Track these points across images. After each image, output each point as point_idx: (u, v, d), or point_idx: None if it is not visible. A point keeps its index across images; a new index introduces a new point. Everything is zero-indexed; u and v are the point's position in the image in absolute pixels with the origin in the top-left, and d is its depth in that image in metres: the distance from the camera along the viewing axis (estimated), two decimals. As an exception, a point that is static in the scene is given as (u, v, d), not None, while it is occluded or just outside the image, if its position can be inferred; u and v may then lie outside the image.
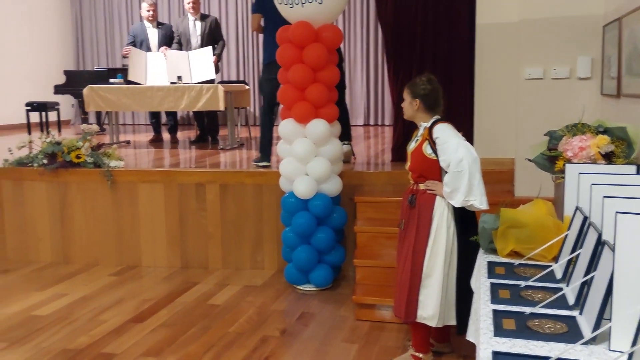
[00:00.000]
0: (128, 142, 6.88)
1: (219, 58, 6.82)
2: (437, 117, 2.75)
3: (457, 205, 2.63)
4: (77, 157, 4.66)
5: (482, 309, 1.69)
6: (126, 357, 3.04)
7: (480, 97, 4.24)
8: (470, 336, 2.05)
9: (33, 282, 4.31)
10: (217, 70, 6.84)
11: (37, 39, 9.62)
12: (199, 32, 6.75)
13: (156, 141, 7.10)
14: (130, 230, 4.62)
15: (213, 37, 6.78)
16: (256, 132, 7.91)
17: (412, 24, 4.62)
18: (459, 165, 2.57)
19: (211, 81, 6.34)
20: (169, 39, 6.98)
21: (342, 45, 4.53)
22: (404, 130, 4.59)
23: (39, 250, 4.80)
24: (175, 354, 3.07)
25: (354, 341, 3.21)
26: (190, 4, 6.68)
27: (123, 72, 7.22)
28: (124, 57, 6.83)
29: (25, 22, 9.39)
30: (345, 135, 4.58)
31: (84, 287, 4.16)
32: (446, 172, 2.65)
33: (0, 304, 3.84)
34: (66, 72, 8.32)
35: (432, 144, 2.68)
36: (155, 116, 7.32)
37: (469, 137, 4.08)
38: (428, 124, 2.74)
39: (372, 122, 9.07)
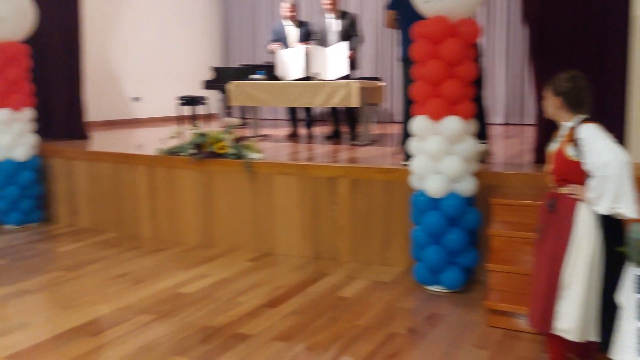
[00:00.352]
0: (265, 136, 7.21)
1: (355, 53, 6.89)
2: (582, 116, 2.58)
3: (602, 213, 2.45)
4: (221, 148, 4.98)
5: (628, 325, 1.57)
6: (259, 339, 3.21)
7: (637, 97, 3.88)
8: (614, 354, 1.91)
9: (181, 261, 4.70)
10: (354, 66, 6.94)
11: (190, 38, 10.41)
12: (337, 29, 6.88)
13: (293, 136, 7.37)
14: (267, 219, 4.85)
15: (349, 33, 6.88)
16: (391, 128, 7.93)
17: (560, 21, 4.33)
18: (605, 169, 2.39)
19: (346, 77, 6.45)
20: (308, 37, 7.21)
21: (482, 40, 4.37)
22: (547, 130, 4.34)
23: (186, 233, 5.20)
24: (305, 341, 3.19)
25: (485, 347, 3.11)
26: (328, 5, 6.83)
27: (265, 68, 7.58)
28: (271, 53, 7.18)
29: (181, 23, 10.20)
30: (481, 134, 4.44)
31: (225, 270, 4.45)
32: (591, 176, 2.48)
33: (152, 279, 4.23)
34: (214, 68, 8.91)
35: (576, 146, 2.52)
36: (292, 111, 7.60)
37: (622, 139, 3.77)
38: (571, 124, 2.58)
39: (513, 120, 8.66)
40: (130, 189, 5.46)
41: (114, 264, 4.61)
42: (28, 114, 5.75)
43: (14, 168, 5.62)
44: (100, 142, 6.62)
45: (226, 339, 3.22)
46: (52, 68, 6.43)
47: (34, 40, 5.84)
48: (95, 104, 7.95)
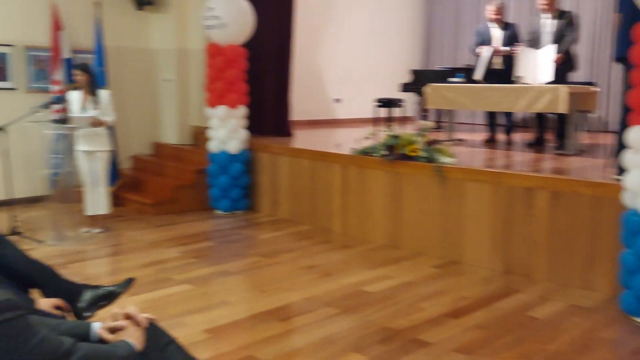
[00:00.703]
0: (460, 140, 7.03)
1: (564, 56, 6.36)
2: None
3: None
4: (413, 150, 4.96)
5: None
6: (439, 348, 3.14)
7: None
8: None
9: (367, 260, 4.79)
10: (572, 68, 6.43)
11: (392, 41, 10.58)
12: (551, 30, 6.42)
13: (490, 141, 7.08)
14: (455, 227, 4.72)
15: (563, 34, 6.37)
16: (604, 138, 7.19)
17: None
18: None
19: (555, 81, 5.99)
20: (514, 39, 6.86)
21: None
22: None
23: (374, 232, 5.30)
24: (487, 358, 3.03)
25: (703, 397, 2.67)
26: (544, 4, 6.40)
27: (465, 71, 7.39)
28: (477, 56, 7.01)
29: (385, 27, 10.41)
30: None
31: (409, 273, 4.43)
32: None
33: (339, 274, 4.38)
34: (413, 71, 8.94)
35: None
36: (491, 116, 7.30)
37: None
38: None
39: None
40: (325, 185, 5.72)
41: (306, 255, 4.87)
42: (242, 111, 6.35)
43: (226, 159, 6.25)
44: (302, 139, 7.04)
45: (405, 343, 3.20)
46: (265, 70, 7.00)
47: (251, 44, 6.42)
48: (301, 104, 8.47)
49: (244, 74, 6.36)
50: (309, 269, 4.49)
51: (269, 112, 7.13)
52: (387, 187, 5.17)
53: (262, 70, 6.93)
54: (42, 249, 4.80)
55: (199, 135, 6.97)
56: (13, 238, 4.78)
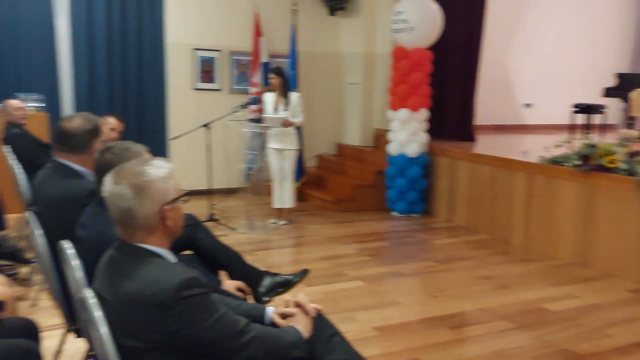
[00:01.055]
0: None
1: None
2: None
3: None
4: (611, 162, 4.50)
5: None
6: (628, 382, 2.82)
7: None
8: None
9: (549, 276, 4.46)
10: None
11: (594, 43, 9.68)
12: None
13: None
14: (659, 249, 4.18)
15: None
16: None
17: None
18: None
19: None
20: None
21: None
22: None
23: (559, 247, 4.91)
24: (688, 401, 2.65)
25: None
26: None
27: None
28: None
29: (586, 28, 9.57)
30: None
31: (597, 294, 4.04)
32: None
33: (517, 288, 4.15)
34: (618, 75, 8.10)
35: None
36: None
37: None
38: None
39: None
40: (507, 194, 5.44)
41: (482, 265, 4.69)
42: (423, 114, 6.31)
43: (405, 162, 6.26)
44: (484, 145, 6.78)
45: (587, 370, 2.93)
46: (450, 73, 6.88)
47: (437, 47, 6.34)
48: (486, 108, 8.17)
49: (428, 77, 6.30)
50: (484, 280, 4.32)
51: (451, 115, 6.99)
52: (578, 200, 4.76)
53: (447, 73, 6.82)
54: (234, 236, 5.27)
55: (380, 138, 7.08)
56: (209, 224, 5.34)
